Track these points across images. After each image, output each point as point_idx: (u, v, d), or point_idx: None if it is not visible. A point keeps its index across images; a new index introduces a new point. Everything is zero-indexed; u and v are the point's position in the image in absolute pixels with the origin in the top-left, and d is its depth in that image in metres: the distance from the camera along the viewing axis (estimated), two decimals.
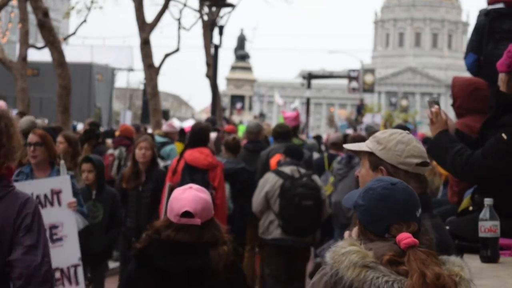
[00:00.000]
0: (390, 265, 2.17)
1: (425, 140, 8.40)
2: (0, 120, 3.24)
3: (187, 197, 3.55)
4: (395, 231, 2.24)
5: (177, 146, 10.63)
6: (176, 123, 18.39)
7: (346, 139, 10.23)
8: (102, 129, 17.02)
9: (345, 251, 2.20)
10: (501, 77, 4.01)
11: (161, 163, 8.35)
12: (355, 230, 2.41)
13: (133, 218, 7.52)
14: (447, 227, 3.56)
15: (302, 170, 7.47)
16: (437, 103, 4.07)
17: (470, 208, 4.07)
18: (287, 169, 7.39)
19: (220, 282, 3.49)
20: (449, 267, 2.20)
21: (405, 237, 2.19)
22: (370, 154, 2.89)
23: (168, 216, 3.56)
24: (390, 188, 2.30)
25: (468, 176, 4.02)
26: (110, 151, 10.74)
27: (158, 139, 11.23)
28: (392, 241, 2.23)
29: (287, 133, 8.69)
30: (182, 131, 11.24)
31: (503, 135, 3.81)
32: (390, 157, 2.85)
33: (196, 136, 7.56)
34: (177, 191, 3.62)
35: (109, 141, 12.37)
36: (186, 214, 3.50)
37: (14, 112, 13.62)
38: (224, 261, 3.50)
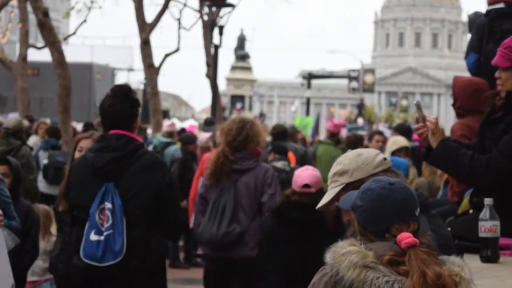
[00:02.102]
0: (390, 265, 2.16)
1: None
2: (247, 123, 5.67)
3: (305, 174, 5.38)
4: (395, 231, 2.23)
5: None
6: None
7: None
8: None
9: (345, 251, 2.20)
10: (504, 75, 3.85)
11: None
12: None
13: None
14: (448, 228, 3.54)
15: (291, 165, 8.16)
16: (420, 107, 3.88)
17: (471, 211, 4.02)
18: (278, 164, 7.96)
19: (330, 229, 5.04)
20: (449, 267, 2.20)
21: (405, 237, 2.19)
22: (346, 187, 2.75)
23: (293, 187, 5.39)
24: (388, 188, 2.28)
25: (494, 182, 3.75)
26: None
27: (162, 140, 11.19)
28: (392, 241, 2.22)
29: (282, 133, 9.63)
30: (182, 130, 11.19)
31: None
32: (364, 171, 2.73)
33: None
34: (299, 171, 5.49)
35: None
36: (306, 185, 5.34)
37: (14, 114, 13.60)
38: (332, 216, 5.09)
